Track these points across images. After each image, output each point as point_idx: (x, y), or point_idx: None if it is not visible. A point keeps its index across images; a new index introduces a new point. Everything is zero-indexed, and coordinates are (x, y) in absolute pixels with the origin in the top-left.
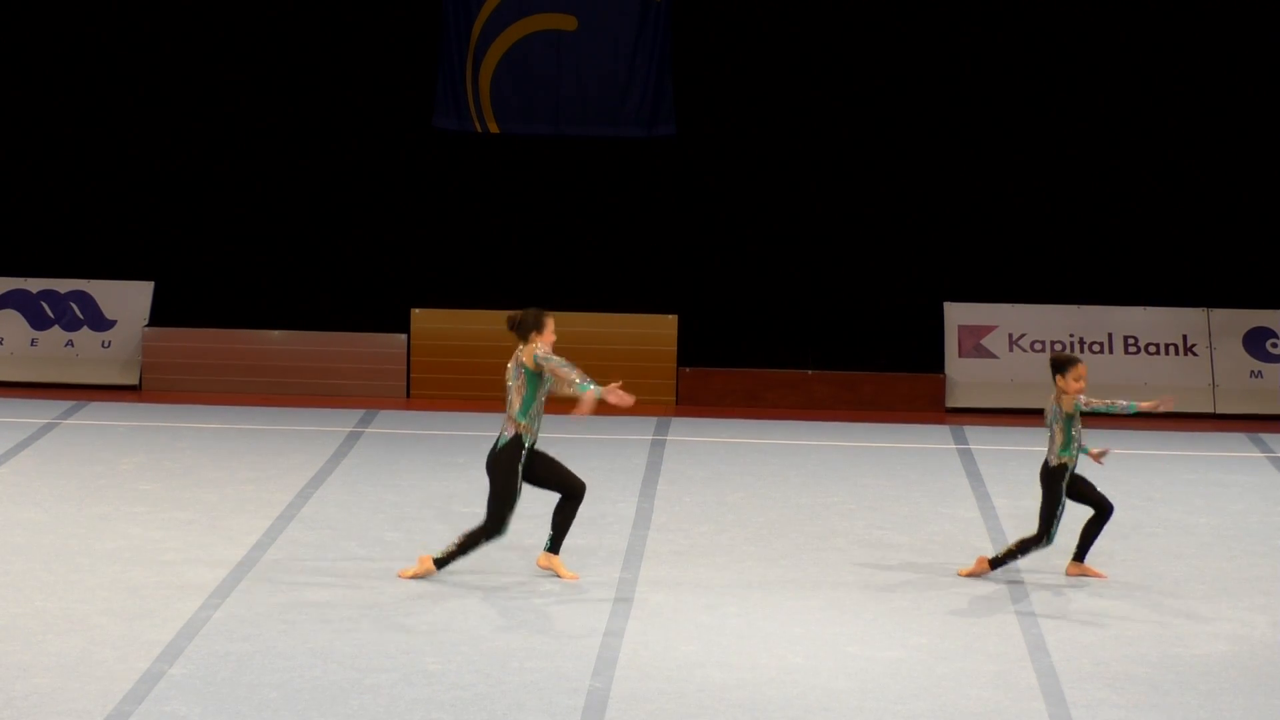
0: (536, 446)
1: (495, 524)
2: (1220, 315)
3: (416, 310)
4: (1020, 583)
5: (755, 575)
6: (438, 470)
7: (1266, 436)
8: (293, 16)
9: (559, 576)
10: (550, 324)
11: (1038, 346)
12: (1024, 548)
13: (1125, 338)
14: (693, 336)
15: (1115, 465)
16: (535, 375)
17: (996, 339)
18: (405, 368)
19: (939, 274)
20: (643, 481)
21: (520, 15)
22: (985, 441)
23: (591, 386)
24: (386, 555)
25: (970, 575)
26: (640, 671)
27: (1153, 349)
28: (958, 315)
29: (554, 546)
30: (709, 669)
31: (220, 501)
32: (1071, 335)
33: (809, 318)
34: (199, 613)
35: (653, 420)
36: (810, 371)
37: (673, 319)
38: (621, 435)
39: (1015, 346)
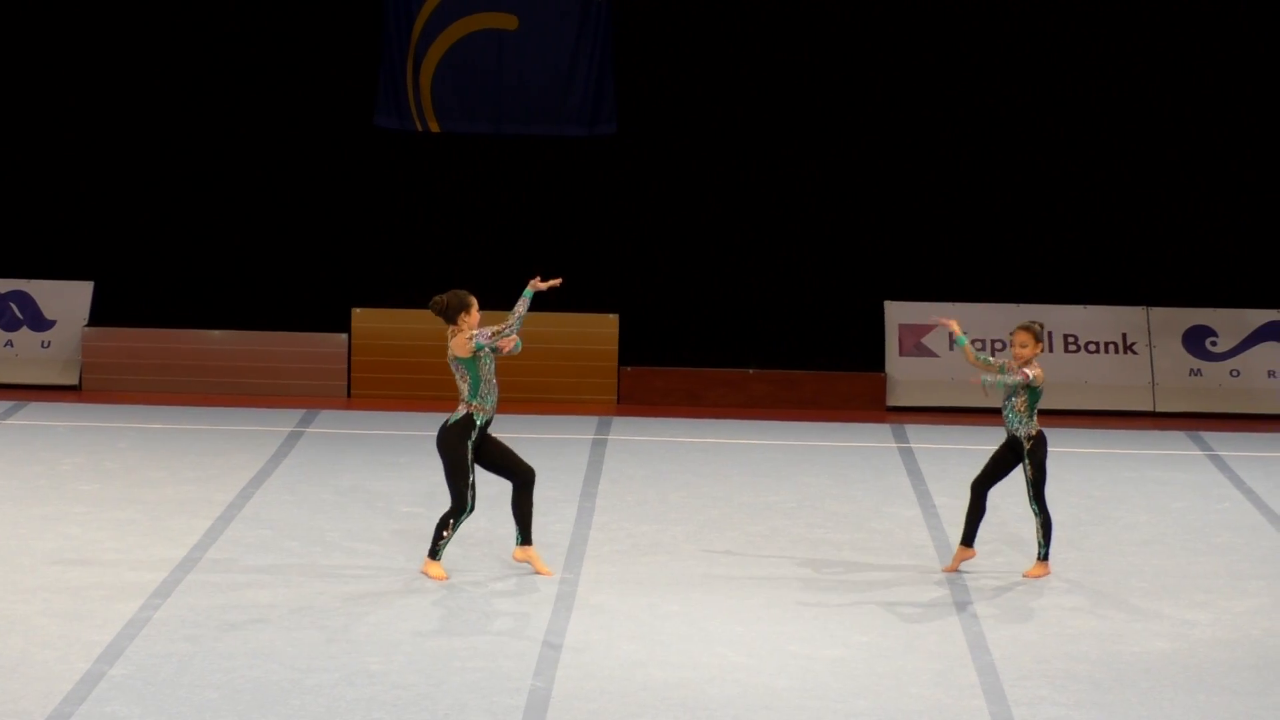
0: (489, 428)
1: (458, 501)
2: (1160, 314)
3: (357, 310)
4: (961, 581)
5: (697, 574)
6: (379, 470)
7: (1206, 434)
8: (233, 15)
9: (535, 571)
10: (474, 304)
11: (978, 345)
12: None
13: (1065, 336)
14: (633, 336)
15: (1055, 463)
16: (472, 360)
17: (937, 337)
18: (346, 367)
19: (879, 272)
20: (584, 481)
21: (461, 14)
22: (926, 440)
23: (517, 316)
24: (327, 555)
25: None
26: (582, 671)
27: (1092, 347)
28: (898, 314)
29: (525, 538)
30: (650, 668)
31: (161, 502)
32: (1012, 334)
33: (750, 317)
34: (139, 613)
35: (594, 420)
36: (751, 370)
37: (614, 318)
38: (563, 434)
39: (956, 345)
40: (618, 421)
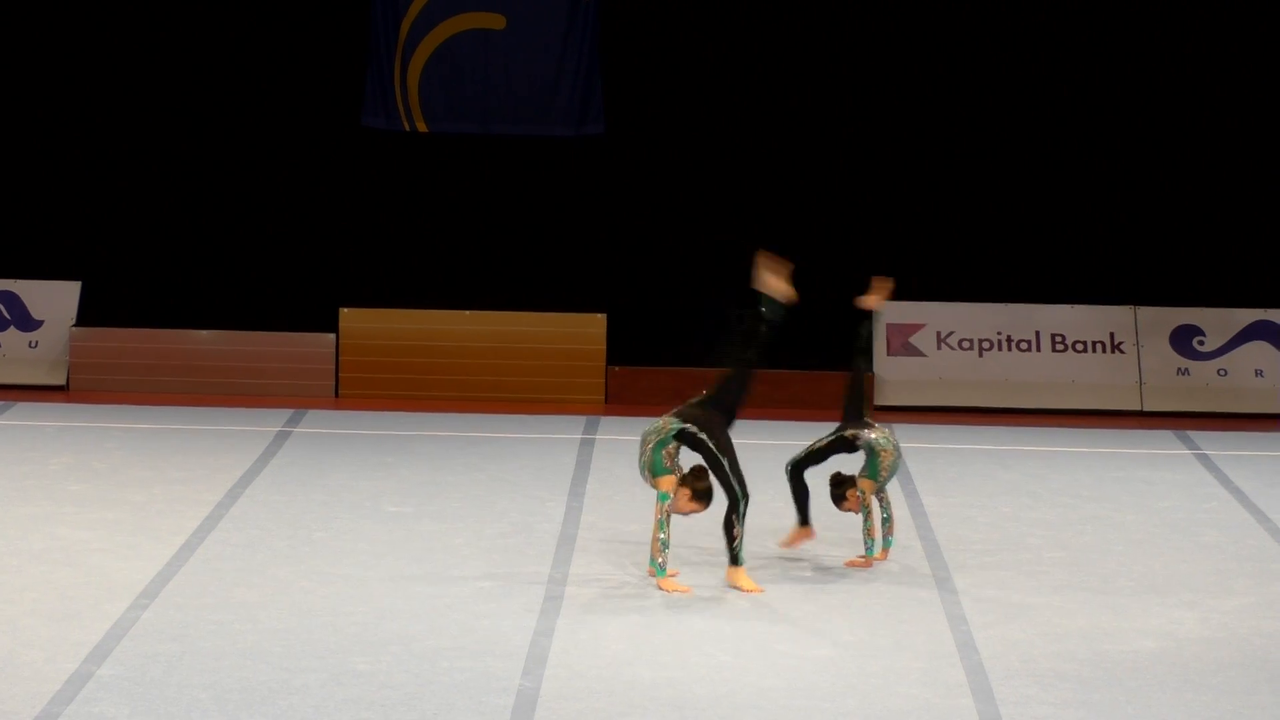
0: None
1: (731, 495)
2: (1147, 313)
3: (345, 310)
4: (949, 580)
5: (684, 574)
6: (367, 470)
7: (1193, 434)
8: (221, 14)
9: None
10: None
11: (965, 345)
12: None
13: (1053, 335)
14: (621, 336)
15: (1042, 462)
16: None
17: (924, 337)
18: (334, 367)
19: (867, 272)
20: (572, 480)
21: (449, 14)
22: (914, 439)
23: None
24: (315, 555)
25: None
26: (570, 670)
27: (1080, 347)
28: (886, 314)
29: (736, 560)
30: (638, 667)
31: (149, 501)
32: (999, 333)
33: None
34: (127, 613)
35: (582, 419)
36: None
37: (601, 318)
38: (550, 434)
39: (943, 345)
40: (605, 421)
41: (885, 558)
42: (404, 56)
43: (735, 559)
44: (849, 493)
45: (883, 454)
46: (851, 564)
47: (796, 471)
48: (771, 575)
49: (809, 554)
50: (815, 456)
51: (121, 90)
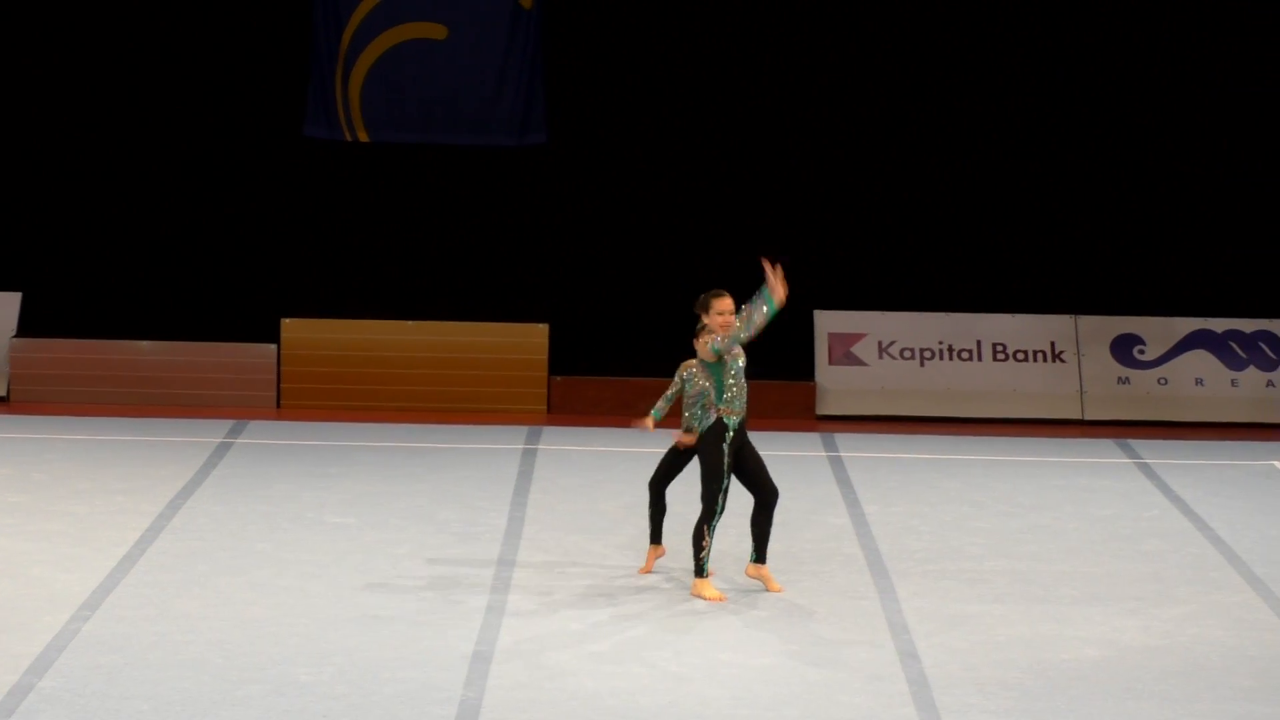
0: (745, 429)
1: (709, 505)
2: (1088, 322)
3: (287, 320)
4: (891, 589)
5: (627, 584)
6: (309, 481)
7: (1134, 442)
8: (162, 22)
9: (766, 588)
10: (718, 304)
11: (908, 354)
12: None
13: (994, 345)
14: (564, 345)
15: (983, 471)
16: (717, 364)
17: (866, 346)
18: (275, 378)
19: (809, 281)
20: (514, 490)
21: (390, 24)
22: (856, 449)
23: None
24: (257, 566)
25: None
26: (512, 681)
27: (1021, 356)
28: (828, 323)
29: (759, 556)
30: (581, 677)
31: (90, 513)
32: (941, 342)
33: (681, 325)
34: (69, 625)
35: (524, 429)
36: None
37: (544, 328)
38: (493, 444)
39: (885, 354)
40: (548, 431)
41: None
42: (346, 66)
43: (700, 570)
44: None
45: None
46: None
47: (659, 488)
48: (714, 582)
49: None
50: (672, 470)
51: (60, 100)
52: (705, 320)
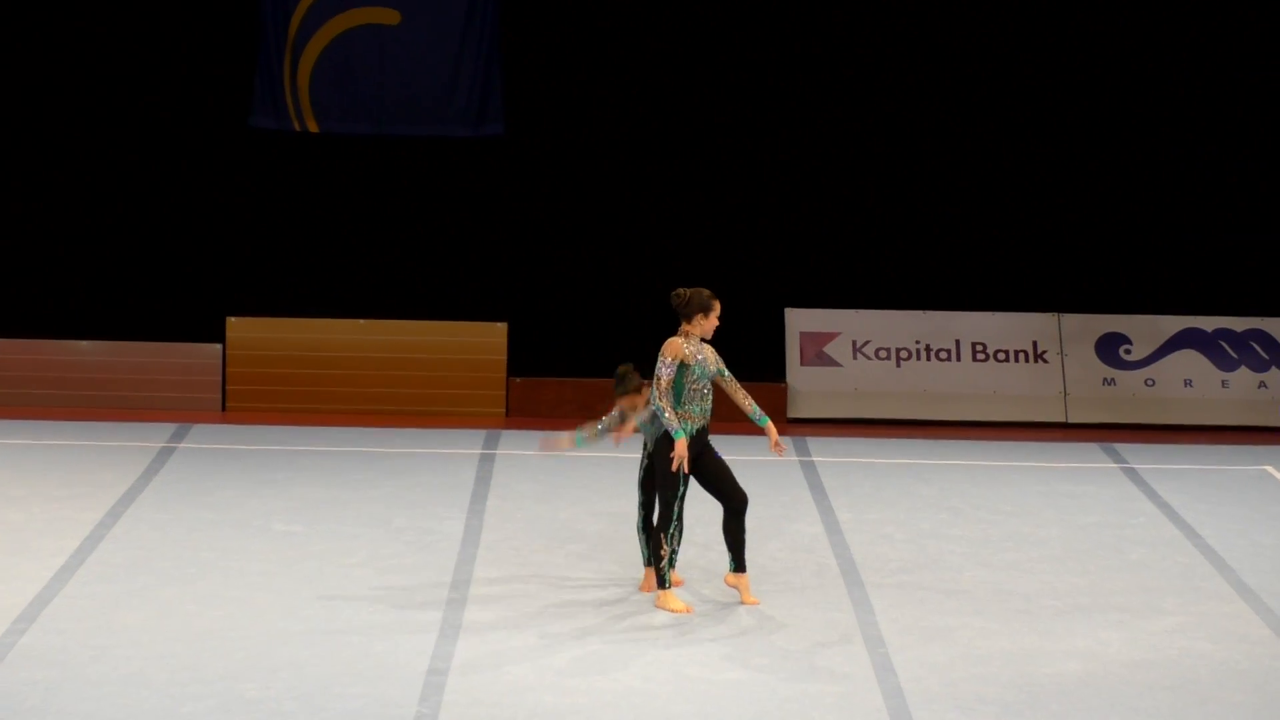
0: (707, 434)
1: (666, 514)
2: (1072, 321)
3: (232, 319)
4: (866, 601)
5: (590, 595)
6: (255, 487)
7: (1120, 446)
8: (102, 9)
9: (741, 600)
10: (715, 308)
11: (883, 354)
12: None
13: (973, 344)
14: (523, 345)
15: (962, 476)
16: (680, 366)
17: (839, 346)
18: (221, 379)
19: (780, 278)
20: (471, 497)
21: (340, 9)
22: (828, 453)
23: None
24: (202, 576)
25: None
26: (469, 697)
27: (1001, 356)
28: (799, 321)
29: (738, 565)
30: (541, 693)
31: (26, 521)
32: (918, 342)
33: (642, 325)
34: (4, 638)
35: (482, 433)
36: (645, 381)
37: (502, 327)
38: (449, 449)
39: (859, 354)
40: (506, 435)
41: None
42: (294, 54)
43: (663, 581)
44: (643, 386)
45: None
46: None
47: (648, 524)
48: (681, 598)
49: (721, 576)
50: (650, 501)
51: None
52: (694, 322)
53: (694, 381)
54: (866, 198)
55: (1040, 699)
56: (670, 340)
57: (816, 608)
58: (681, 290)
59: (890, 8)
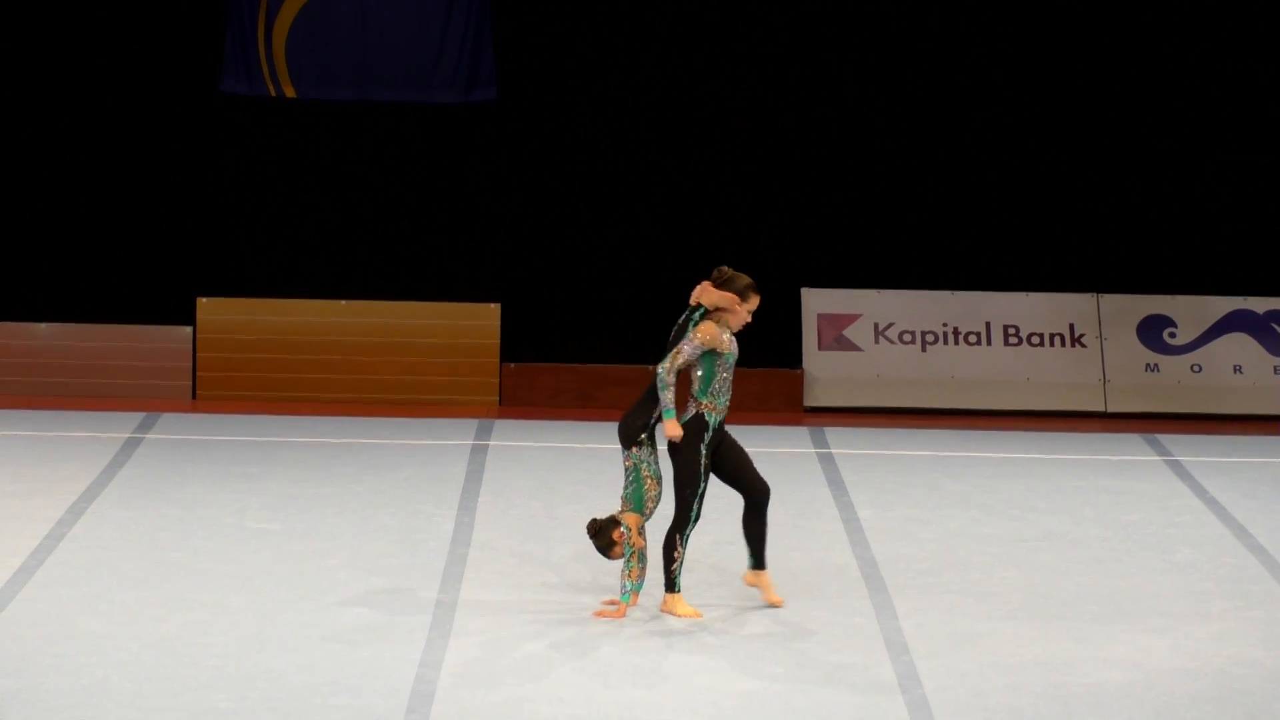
0: (725, 427)
1: (683, 511)
2: (1111, 302)
3: (203, 299)
4: (888, 604)
5: (589, 599)
6: (227, 481)
7: (1163, 437)
8: None
9: (763, 599)
10: (754, 300)
11: (907, 338)
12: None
13: (1005, 327)
14: (517, 328)
15: (992, 470)
16: (711, 353)
17: (860, 329)
18: (191, 365)
19: (795, 255)
20: (462, 492)
21: None
22: (848, 445)
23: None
24: (170, 578)
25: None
26: (460, 708)
27: (1036, 340)
28: (817, 302)
29: (757, 562)
30: (538, 704)
31: None
32: (945, 325)
33: (648, 306)
34: None
35: (473, 423)
36: (650, 366)
37: (495, 308)
38: (438, 439)
39: (882, 338)
40: (500, 425)
41: (635, 602)
42: (269, 12)
43: (672, 584)
44: (615, 535)
45: (648, 483)
46: (602, 614)
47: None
48: (689, 599)
49: (731, 578)
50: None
51: None
52: (732, 305)
53: (725, 370)
54: (890, 168)
55: (1077, 711)
56: (707, 324)
57: (836, 612)
58: (726, 268)
59: None
